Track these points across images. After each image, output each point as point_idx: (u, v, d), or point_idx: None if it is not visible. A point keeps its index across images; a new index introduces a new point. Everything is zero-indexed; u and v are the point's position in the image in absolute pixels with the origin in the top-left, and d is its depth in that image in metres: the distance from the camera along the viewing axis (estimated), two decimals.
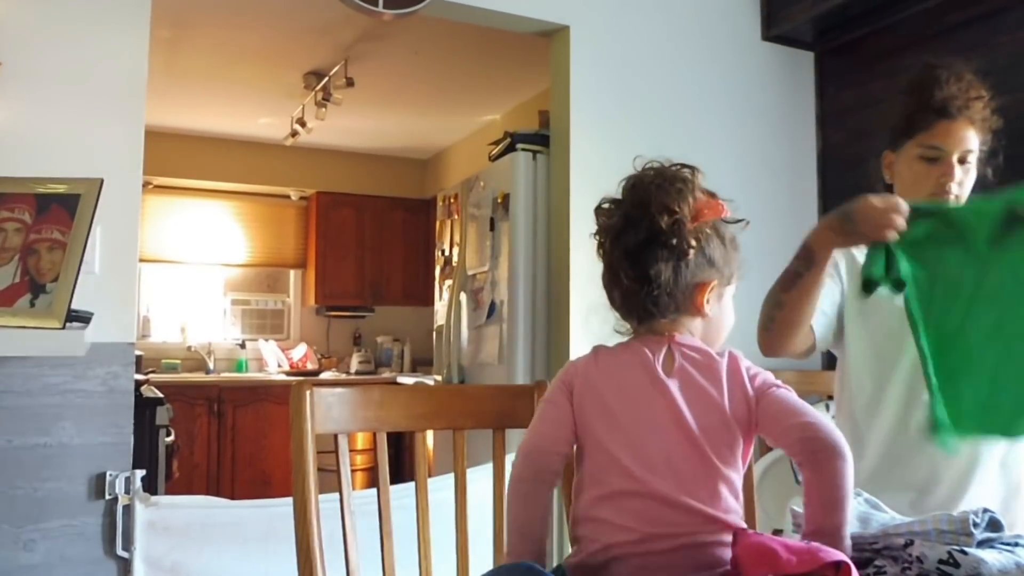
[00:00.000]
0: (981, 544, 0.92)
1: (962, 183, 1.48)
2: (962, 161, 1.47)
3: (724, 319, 1.07)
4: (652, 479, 0.94)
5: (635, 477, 0.95)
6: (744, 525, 0.96)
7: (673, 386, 0.99)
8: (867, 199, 1.21)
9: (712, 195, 1.08)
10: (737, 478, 0.98)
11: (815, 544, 0.83)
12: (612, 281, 1.04)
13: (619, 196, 1.06)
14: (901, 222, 1.18)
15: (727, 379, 1.00)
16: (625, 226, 1.02)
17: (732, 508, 0.96)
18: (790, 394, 1.00)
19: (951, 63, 1.51)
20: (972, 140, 1.47)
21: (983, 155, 1.51)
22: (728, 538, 0.92)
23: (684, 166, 1.09)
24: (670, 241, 1.00)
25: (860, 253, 1.55)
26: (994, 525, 0.95)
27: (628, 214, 1.03)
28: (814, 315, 1.45)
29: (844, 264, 1.57)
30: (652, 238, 1.00)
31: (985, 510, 0.95)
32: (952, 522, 0.92)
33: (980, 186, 1.53)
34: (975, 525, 0.91)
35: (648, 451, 0.96)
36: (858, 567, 0.89)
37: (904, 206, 1.18)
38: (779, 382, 1.02)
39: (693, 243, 1.00)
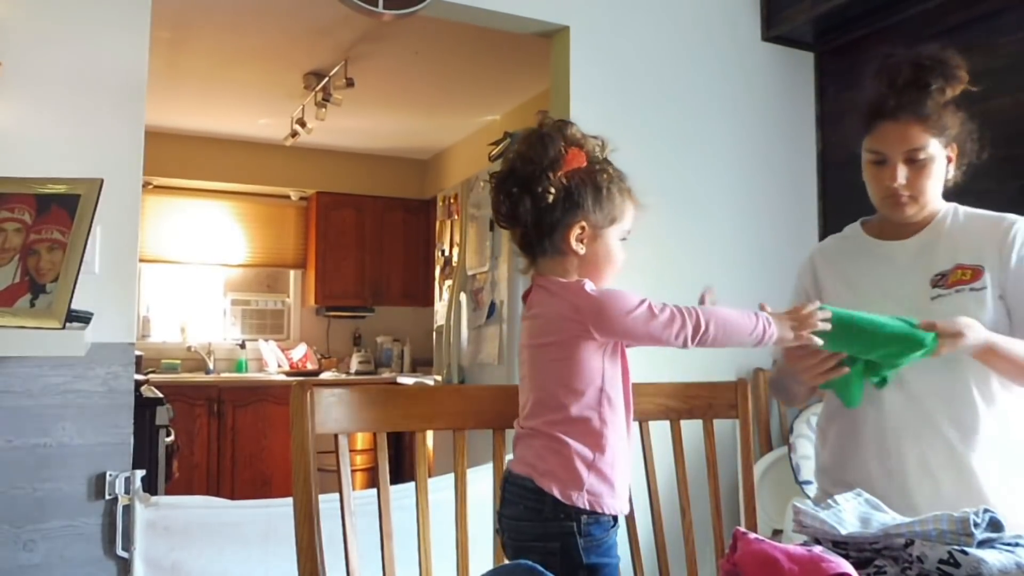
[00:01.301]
0: (981, 544, 0.92)
1: (913, 182, 1.44)
2: (910, 161, 1.43)
3: (602, 257, 1.18)
4: (520, 409, 1.22)
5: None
6: (586, 415, 1.13)
7: (527, 320, 1.20)
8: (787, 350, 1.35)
9: (580, 146, 1.17)
10: (571, 376, 1.14)
11: (816, 553, 0.83)
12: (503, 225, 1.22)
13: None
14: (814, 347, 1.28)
15: (560, 293, 1.15)
16: (503, 176, 1.18)
17: (561, 408, 1.15)
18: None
19: (900, 55, 1.47)
20: (918, 138, 1.42)
21: (962, 138, 1.46)
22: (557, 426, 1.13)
23: (559, 121, 1.21)
24: (533, 187, 1.14)
25: (824, 266, 1.60)
26: (995, 525, 0.95)
27: (507, 165, 1.19)
28: None
29: (812, 287, 1.61)
30: (519, 186, 1.15)
31: (986, 510, 0.95)
32: (952, 522, 0.92)
33: (971, 169, 1.49)
34: (975, 525, 0.91)
35: (521, 383, 1.22)
36: (858, 567, 0.89)
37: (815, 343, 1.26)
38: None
39: (552, 190, 1.13)
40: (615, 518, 1.17)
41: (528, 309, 1.21)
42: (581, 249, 1.16)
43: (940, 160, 1.46)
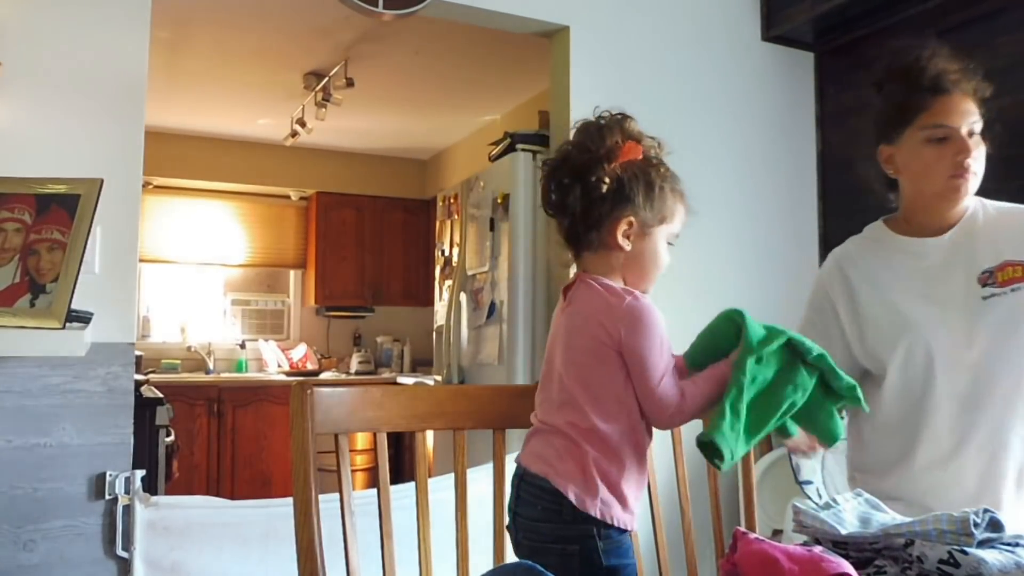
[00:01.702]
0: (981, 544, 0.92)
1: (977, 158, 1.39)
2: (971, 134, 1.38)
3: (648, 257, 1.16)
4: (539, 404, 1.20)
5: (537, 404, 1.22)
6: (603, 429, 1.11)
7: (564, 314, 1.17)
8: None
9: (638, 140, 1.16)
10: (598, 383, 1.12)
11: (816, 553, 0.83)
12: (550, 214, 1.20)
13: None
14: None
15: (597, 303, 1.13)
16: (557, 163, 1.17)
17: (587, 417, 1.12)
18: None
19: (922, 44, 1.44)
20: (975, 112, 1.39)
21: (983, 128, 1.42)
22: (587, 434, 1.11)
23: (618, 114, 1.19)
24: (586, 177, 1.12)
25: (853, 268, 1.53)
26: (995, 525, 0.95)
27: (561, 153, 1.17)
28: None
29: (842, 294, 1.53)
30: (572, 174, 1.14)
31: (986, 510, 0.95)
32: (952, 522, 0.92)
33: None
34: (975, 525, 0.91)
35: (545, 377, 1.20)
36: (858, 567, 0.89)
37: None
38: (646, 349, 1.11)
39: (607, 180, 1.11)
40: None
41: (568, 304, 1.18)
42: (627, 245, 1.14)
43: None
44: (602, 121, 1.17)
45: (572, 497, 1.10)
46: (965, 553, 0.88)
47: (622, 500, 1.13)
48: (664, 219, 1.16)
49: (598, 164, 1.12)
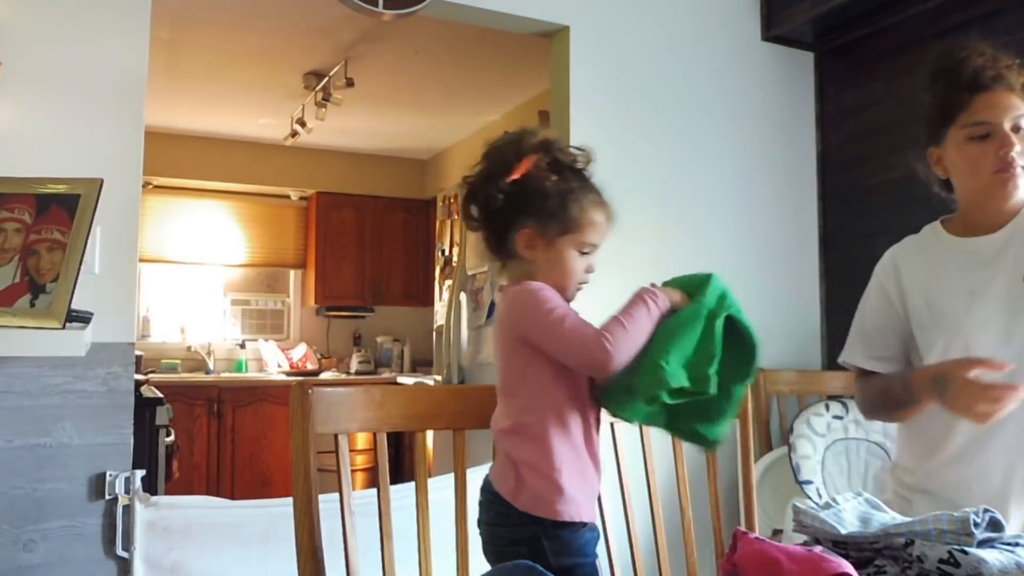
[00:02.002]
0: (982, 544, 0.92)
1: (1023, 152, 1.38)
2: (1016, 129, 1.37)
3: (555, 267, 1.18)
4: None
5: None
6: (525, 420, 1.14)
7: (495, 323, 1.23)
8: (965, 380, 1.23)
9: (538, 152, 1.18)
10: (512, 380, 1.17)
11: (816, 553, 0.83)
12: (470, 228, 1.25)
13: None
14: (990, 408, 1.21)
15: (504, 293, 1.19)
16: (466, 181, 1.24)
17: (509, 415, 1.17)
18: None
19: (964, 43, 1.45)
20: (1019, 106, 1.38)
21: None
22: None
23: (522, 130, 1.22)
24: (484, 192, 1.19)
25: (905, 264, 1.54)
26: (995, 525, 0.95)
27: (470, 171, 1.24)
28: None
29: (893, 286, 1.54)
30: (472, 190, 1.22)
31: (986, 510, 0.95)
32: (952, 522, 0.92)
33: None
34: (975, 525, 0.91)
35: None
36: (858, 567, 0.89)
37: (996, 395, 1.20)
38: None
39: (499, 195, 1.17)
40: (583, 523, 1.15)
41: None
42: (530, 255, 1.18)
43: None
44: (501, 140, 1.21)
45: (508, 496, 1.13)
46: (965, 553, 0.88)
47: (558, 491, 1.12)
48: (568, 230, 1.17)
49: (493, 180, 1.17)
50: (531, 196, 1.16)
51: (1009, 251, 1.42)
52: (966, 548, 0.89)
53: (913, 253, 1.56)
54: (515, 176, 1.16)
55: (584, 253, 1.19)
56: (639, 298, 1.15)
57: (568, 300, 1.19)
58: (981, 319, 1.40)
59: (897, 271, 1.55)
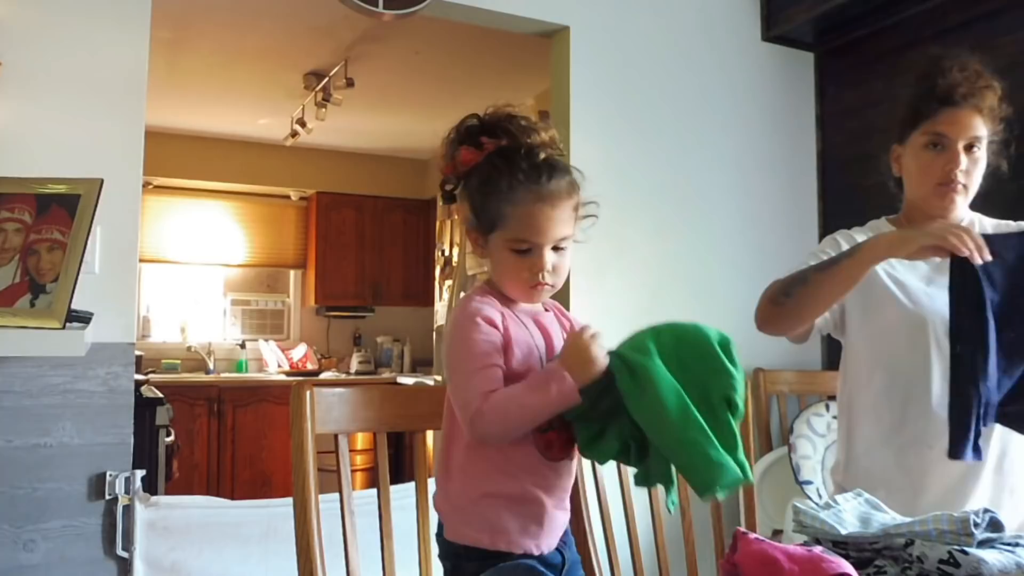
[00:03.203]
0: (981, 544, 0.92)
1: (969, 172, 1.45)
2: (969, 149, 1.44)
3: (494, 266, 1.09)
4: None
5: None
6: None
7: None
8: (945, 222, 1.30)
9: (476, 143, 1.06)
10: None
11: (816, 553, 0.83)
12: None
13: None
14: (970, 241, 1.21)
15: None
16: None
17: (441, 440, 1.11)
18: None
19: (957, 53, 1.49)
20: (979, 127, 1.44)
21: (995, 146, 1.48)
22: None
23: (469, 116, 1.11)
24: (446, 184, 1.11)
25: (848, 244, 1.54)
26: (995, 525, 0.95)
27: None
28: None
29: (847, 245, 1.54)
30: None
31: (986, 510, 0.95)
32: (953, 522, 0.92)
33: (994, 178, 1.50)
34: (976, 525, 0.91)
35: None
36: (858, 567, 0.89)
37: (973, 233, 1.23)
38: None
39: (449, 187, 1.10)
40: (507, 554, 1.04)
41: None
42: (480, 254, 1.10)
43: (985, 159, 1.47)
44: (472, 119, 1.11)
45: (440, 517, 1.11)
46: (965, 553, 0.88)
47: (461, 513, 1.06)
48: (494, 225, 1.05)
49: (444, 175, 1.11)
50: (474, 191, 1.07)
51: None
52: (966, 548, 0.89)
53: (857, 239, 1.56)
54: (457, 170, 1.09)
55: (521, 252, 1.04)
56: (545, 381, 0.98)
57: (529, 301, 1.09)
58: (941, 301, 1.41)
59: (851, 239, 1.55)
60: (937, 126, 1.45)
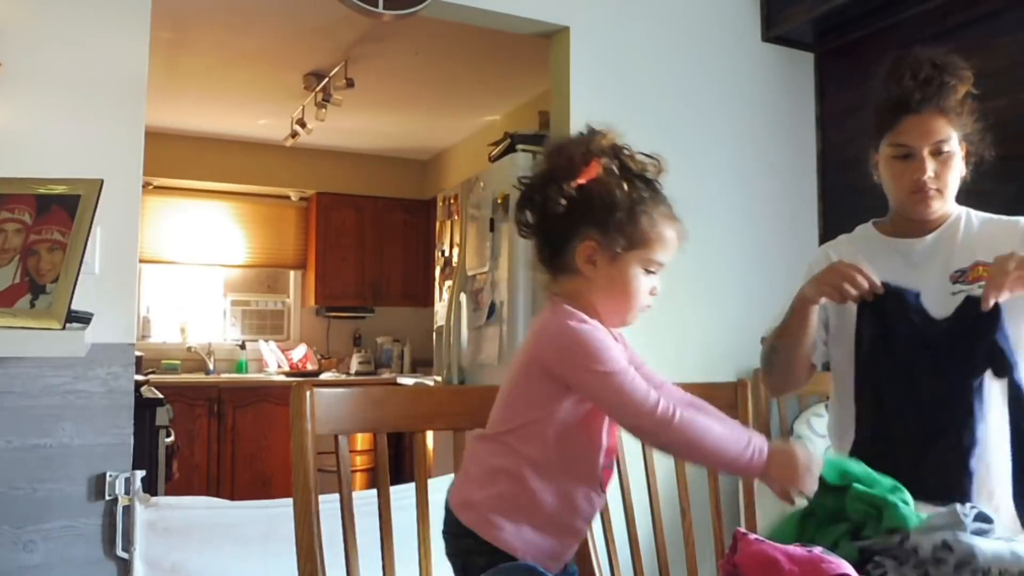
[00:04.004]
0: (974, 534, 0.93)
1: (940, 175, 1.46)
2: (936, 153, 1.45)
3: (617, 285, 1.07)
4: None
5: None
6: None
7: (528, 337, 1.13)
8: (834, 264, 1.40)
9: (608, 156, 1.07)
10: (514, 401, 1.09)
11: (816, 553, 0.83)
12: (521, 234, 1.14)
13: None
14: (860, 281, 1.33)
15: (543, 314, 1.09)
16: (524, 182, 1.11)
17: (504, 424, 1.09)
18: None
19: (916, 53, 1.49)
20: (942, 130, 1.44)
21: (974, 136, 1.49)
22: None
23: (592, 129, 1.11)
24: (544, 196, 1.06)
25: (836, 255, 1.58)
26: (984, 519, 0.95)
27: (530, 172, 1.12)
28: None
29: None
30: (531, 193, 1.09)
31: (972, 506, 0.96)
32: (941, 516, 0.94)
33: (977, 169, 1.51)
34: (964, 515, 0.93)
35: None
36: (858, 567, 0.89)
37: (863, 272, 1.34)
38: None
39: (562, 200, 1.04)
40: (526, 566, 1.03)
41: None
42: (591, 270, 1.06)
43: (959, 156, 1.48)
44: (569, 138, 1.11)
45: (452, 503, 1.10)
46: (959, 540, 0.89)
47: (515, 524, 1.05)
48: (635, 244, 1.05)
49: (555, 183, 1.05)
50: (597, 204, 1.04)
51: (938, 254, 1.50)
52: (959, 535, 0.90)
53: (847, 250, 1.61)
54: (581, 180, 1.04)
55: (650, 272, 1.07)
56: (746, 449, 0.98)
57: (627, 323, 1.11)
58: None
59: (839, 250, 1.61)
60: (900, 136, 1.47)
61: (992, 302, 1.26)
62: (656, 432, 1.00)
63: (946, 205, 1.51)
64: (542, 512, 1.06)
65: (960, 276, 1.46)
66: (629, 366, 1.02)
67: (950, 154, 1.46)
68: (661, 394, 1.00)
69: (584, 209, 1.04)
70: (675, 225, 1.08)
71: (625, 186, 1.05)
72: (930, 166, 1.45)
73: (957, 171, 1.48)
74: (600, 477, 1.10)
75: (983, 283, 1.40)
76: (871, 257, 1.56)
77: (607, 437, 1.10)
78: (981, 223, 1.53)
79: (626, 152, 1.09)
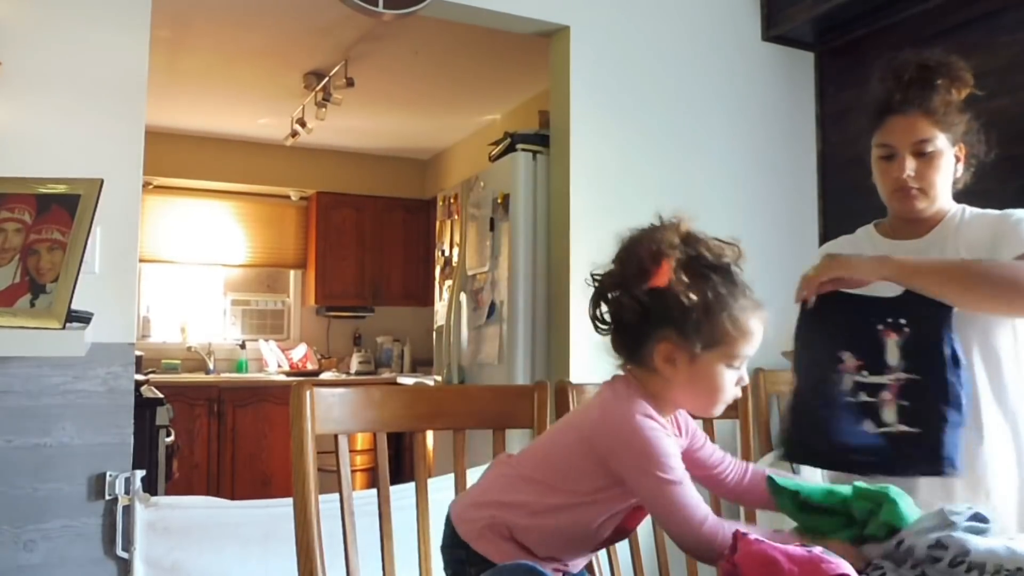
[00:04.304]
0: (969, 531, 0.93)
1: (922, 174, 1.48)
2: (919, 153, 1.47)
3: (699, 383, 1.02)
4: None
5: None
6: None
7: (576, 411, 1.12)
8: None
9: (681, 252, 1.00)
10: (558, 461, 1.05)
11: (816, 553, 0.83)
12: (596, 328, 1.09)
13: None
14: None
15: (598, 407, 1.05)
16: (597, 278, 1.07)
17: (535, 471, 1.06)
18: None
19: (906, 55, 1.51)
20: (924, 130, 1.46)
21: (969, 136, 1.50)
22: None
23: (664, 221, 1.06)
24: (614, 298, 1.03)
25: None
26: (980, 519, 0.95)
27: (606, 267, 1.06)
28: None
29: None
30: (603, 292, 1.05)
31: (969, 507, 0.96)
32: (930, 517, 0.95)
33: (978, 165, 1.52)
34: (954, 514, 0.93)
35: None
36: (859, 570, 0.89)
37: None
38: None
39: (634, 306, 1.00)
40: None
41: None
42: (669, 370, 1.01)
43: (948, 156, 1.49)
44: (641, 233, 1.04)
45: (455, 516, 1.08)
46: (952, 537, 0.89)
47: (521, 548, 1.04)
48: (715, 343, 1.00)
49: (625, 288, 1.01)
50: (671, 306, 0.98)
51: (932, 253, 1.51)
52: (952, 534, 0.90)
53: (846, 250, 1.61)
54: (652, 284, 0.99)
55: (734, 367, 1.03)
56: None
57: (712, 416, 1.07)
58: None
59: (841, 251, 1.60)
60: (884, 136, 1.50)
61: (798, 302, 1.43)
62: (696, 549, 0.98)
63: (934, 204, 1.52)
64: (538, 546, 1.05)
65: None
66: (687, 475, 1.00)
67: (934, 154, 1.47)
68: (710, 516, 0.98)
69: (659, 312, 0.99)
70: (758, 314, 1.03)
71: (700, 284, 1.00)
72: (910, 165, 1.47)
73: (945, 171, 1.49)
74: (600, 542, 1.09)
75: None
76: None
77: (627, 523, 1.08)
78: (972, 218, 1.53)
79: (700, 243, 1.04)
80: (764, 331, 1.03)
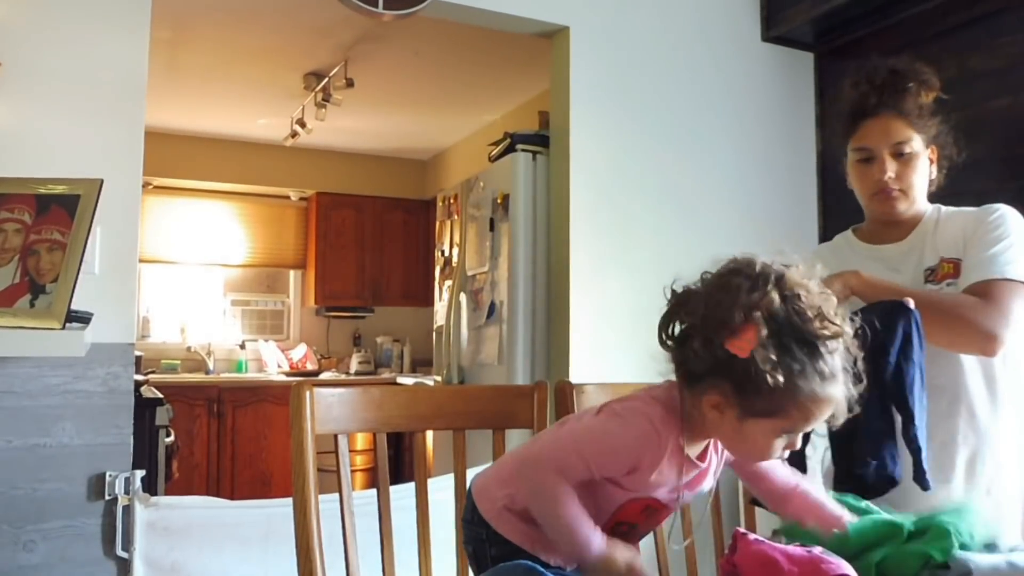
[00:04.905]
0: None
1: (902, 175, 1.49)
2: (897, 154, 1.48)
3: (743, 443, 0.95)
4: None
5: None
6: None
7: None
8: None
9: (761, 324, 0.89)
10: (565, 438, 1.04)
11: (816, 554, 0.83)
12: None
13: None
14: None
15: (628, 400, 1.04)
16: (674, 300, 1.02)
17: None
18: None
19: (875, 61, 1.54)
20: (901, 132, 1.48)
21: (942, 139, 1.51)
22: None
23: (768, 272, 0.95)
24: (687, 336, 0.97)
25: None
26: (988, 547, 0.95)
27: (688, 291, 1.02)
28: None
29: None
30: (680, 320, 1.00)
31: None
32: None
33: (949, 165, 1.54)
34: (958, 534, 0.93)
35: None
36: None
37: None
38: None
39: (704, 357, 0.93)
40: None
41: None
42: (714, 416, 0.94)
43: (924, 157, 1.50)
44: (742, 277, 0.95)
45: (475, 489, 1.08)
46: (954, 556, 0.89)
47: (530, 524, 1.03)
48: (773, 415, 0.91)
49: (701, 335, 0.93)
50: (740, 371, 0.89)
51: (912, 256, 1.52)
52: (955, 552, 0.90)
53: (828, 258, 1.60)
54: (731, 347, 0.90)
55: (786, 435, 0.94)
56: (582, 545, 0.96)
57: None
58: None
59: (823, 259, 1.60)
60: (860, 140, 1.52)
61: None
62: (527, 478, 1.01)
63: (913, 206, 1.53)
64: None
65: (931, 275, 1.48)
66: (589, 476, 0.98)
67: (911, 155, 1.49)
68: (569, 490, 0.98)
69: (726, 367, 0.90)
70: (827, 392, 0.90)
71: (779, 359, 0.88)
72: (891, 167, 1.48)
73: (921, 172, 1.51)
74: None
75: (950, 280, 1.44)
76: (852, 265, 1.55)
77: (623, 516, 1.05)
78: (949, 216, 1.54)
79: (796, 312, 0.90)
80: (835, 405, 0.91)
